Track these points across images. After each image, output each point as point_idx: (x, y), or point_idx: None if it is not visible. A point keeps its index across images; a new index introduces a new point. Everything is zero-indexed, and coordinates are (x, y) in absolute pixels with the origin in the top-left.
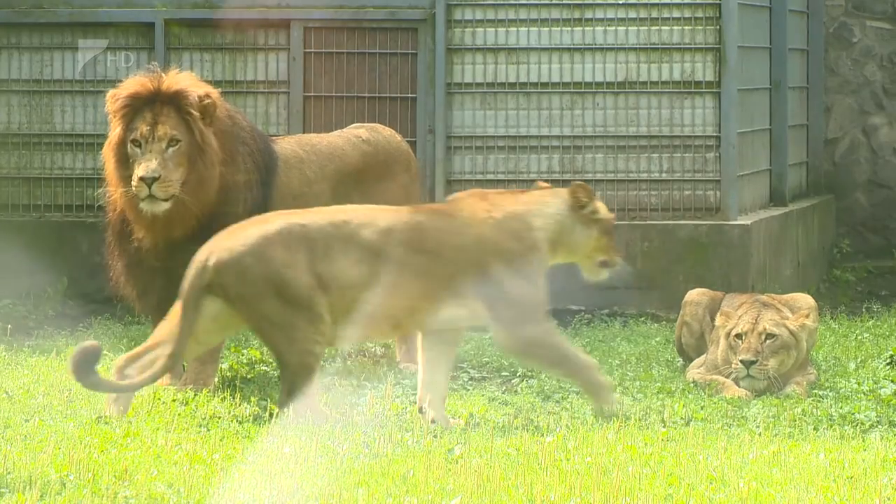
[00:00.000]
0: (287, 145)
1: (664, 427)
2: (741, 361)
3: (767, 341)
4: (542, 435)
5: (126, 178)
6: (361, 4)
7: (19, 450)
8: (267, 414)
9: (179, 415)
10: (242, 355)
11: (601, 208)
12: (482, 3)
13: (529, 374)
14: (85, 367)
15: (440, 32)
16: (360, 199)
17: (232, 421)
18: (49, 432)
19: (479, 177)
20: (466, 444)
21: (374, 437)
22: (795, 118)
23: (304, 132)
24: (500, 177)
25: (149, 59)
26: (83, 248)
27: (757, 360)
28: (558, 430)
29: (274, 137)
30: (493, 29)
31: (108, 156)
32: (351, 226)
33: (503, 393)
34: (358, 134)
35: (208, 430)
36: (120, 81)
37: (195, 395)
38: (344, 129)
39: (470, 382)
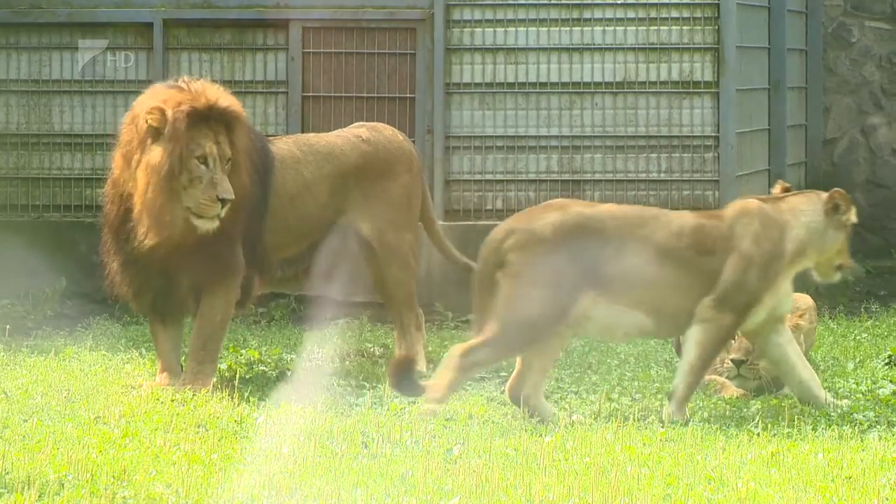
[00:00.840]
0: (284, 145)
1: (663, 427)
2: (731, 360)
3: None
4: (541, 435)
5: (178, 192)
6: (360, 4)
7: (18, 450)
8: (264, 414)
9: (178, 415)
10: (241, 355)
11: (854, 214)
12: (481, 3)
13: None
14: (406, 381)
15: (439, 32)
16: (361, 198)
17: (230, 421)
18: (47, 432)
19: (478, 177)
20: (465, 444)
21: (372, 438)
22: (794, 118)
23: (302, 132)
24: (499, 177)
25: (148, 60)
26: (82, 248)
27: (747, 360)
28: (557, 431)
29: (271, 138)
30: (491, 29)
31: (157, 167)
32: (645, 225)
33: (502, 393)
34: (358, 133)
35: (207, 430)
36: (120, 82)
37: (193, 395)
38: (344, 129)
39: (469, 382)
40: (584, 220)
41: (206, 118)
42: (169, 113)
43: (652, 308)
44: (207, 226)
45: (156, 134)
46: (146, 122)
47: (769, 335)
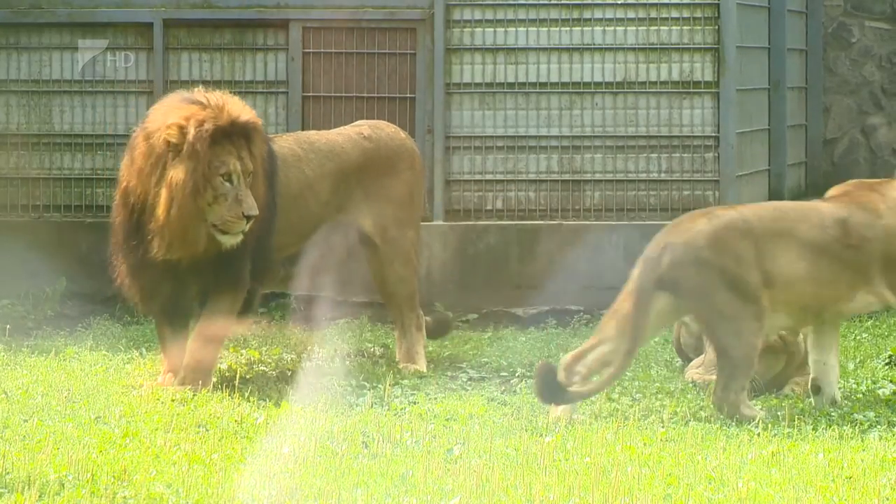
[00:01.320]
0: (285, 144)
1: (663, 427)
2: None
3: None
4: (541, 435)
5: (202, 209)
6: (360, 4)
7: (18, 450)
8: (265, 414)
9: (178, 415)
10: (241, 355)
11: None
12: (481, 3)
13: (529, 374)
14: (548, 387)
15: (439, 32)
16: (363, 196)
17: (231, 421)
18: (48, 432)
19: (478, 176)
20: (465, 444)
21: (372, 437)
22: (794, 118)
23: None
24: (499, 177)
25: (148, 60)
26: (82, 248)
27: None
28: (557, 431)
29: (271, 136)
30: (491, 29)
31: (181, 186)
32: (789, 221)
33: (502, 393)
34: (359, 131)
35: (207, 430)
36: (120, 82)
37: (194, 395)
38: (345, 127)
39: (469, 383)
40: (732, 223)
41: (229, 134)
42: (191, 131)
43: (799, 305)
44: (232, 241)
45: (176, 150)
46: (166, 139)
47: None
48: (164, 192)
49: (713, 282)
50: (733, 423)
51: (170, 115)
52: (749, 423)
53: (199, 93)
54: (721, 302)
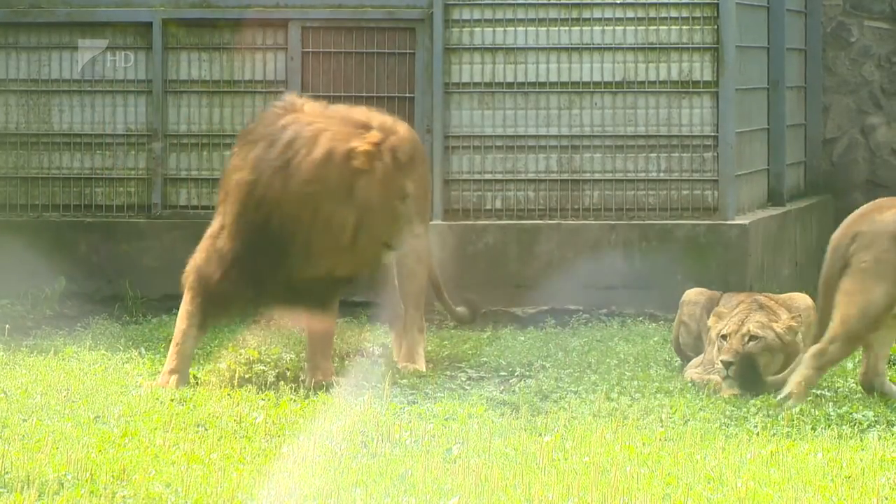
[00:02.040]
0: None
1: (662, 427)
2: (721, 362)
3: (750, 343)
4: (540, 435)
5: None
6: (359, 4)
7: (17, 449)
8: (264, 414)
9: (177, 415)
10: (240, 355)
11: None
12: (480, 2)
13: (528, 374)
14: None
15: (438, 32)
16: None
17: (230, 421)
18: (47, 432)
19: (477, 176)
20: (464, 443)
21: (371, 437)
22: (793, 118)
23: None
24: (498, 176)
25: (147, 59)
26: (81, 247)
27: (734, 362)
28: (556, 430)
29: None
30: (490, 28)
31: (375, 208)
32: None
33: (501, 393)
34: None
35: (206, 429)
36: (119, 81)
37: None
38: None
39: (468, 382)
40: None
41: (410, 158)
42: (385, 157)
43: None
44: (392, 258)
45: (359, 174)
46: (354, 161)
47: None
48: (351, 215)
49: (882, 266)
50: (732, 423)
51: (349, 139)
52: None
53: (367, 114)
54: (871, 287)
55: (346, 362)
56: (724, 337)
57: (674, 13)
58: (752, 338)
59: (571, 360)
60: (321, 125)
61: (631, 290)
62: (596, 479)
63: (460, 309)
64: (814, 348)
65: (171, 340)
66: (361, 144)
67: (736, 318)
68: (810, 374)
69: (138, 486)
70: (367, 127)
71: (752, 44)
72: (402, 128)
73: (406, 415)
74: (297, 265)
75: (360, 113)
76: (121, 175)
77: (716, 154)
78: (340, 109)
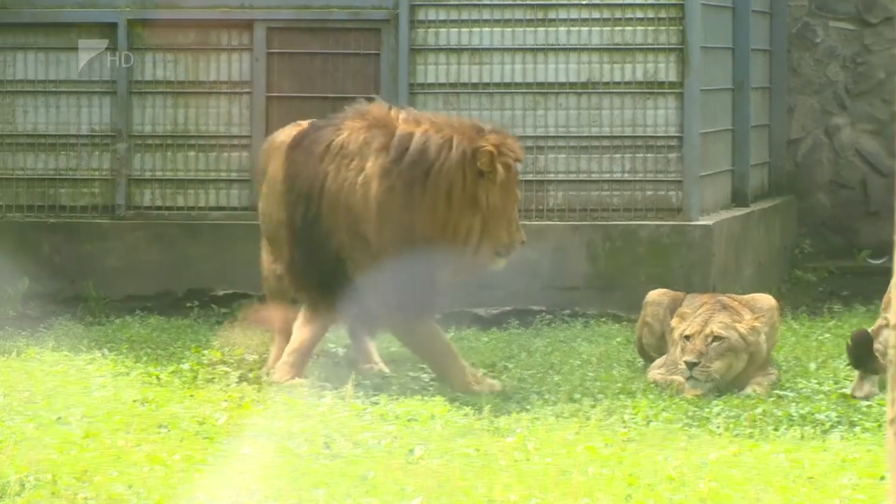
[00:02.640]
0: None
1: (624, 427)
2: (685, 362)
3: (714, 343)
4: (503, 436)
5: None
6: (325, 5)
7: None
8: (226, 415)
9: (139, 415)
10: (203, 356)
11: None
12: (445, 3)
13: (491, 374)
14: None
15: (403, 33)
16: None
17: (192, 422)
18: (8, 433)
19: None
20: (427, 444)
21: (334, 438)
22: (758, 118)
23: (266, 133)
24: None
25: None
26: (45, 248)
27: (699, 362)
28: (518, 431)
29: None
30: (456, 29)
31: (498, 212)
32: None
33: (463, 393)
34: None
35: (168, 430)
36: (83, 82)
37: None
38: None
39: (431, 383)
40: None
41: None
42: (508, 160)
43: None
44: (503, 264)
45: (480, 175)
46: (477, 163)
47: None
48: (476, 218)
49: None
50: (694, 424)
51: (469, 138)
52: None
53: (483, 122)
54: None
55: (310, 363)
56: (687, 337)
57: (639, 14)
58: (716, 338)
59: (534, 360)
60: (447, 131)
61: (594, 290)
62: (558, 479)
63: None
64: None
65: (134, 341)
66: (486, 145)
67: (699, 319)
68: None
69: (100, 487)
70: (481, 131)
71: (717, 44)
72: (509, 133)
73: (368, 416)
74: (430, 274)
75: (462, 119)
76: (85, 176)
77: (680, 155)
78: (440, 115)
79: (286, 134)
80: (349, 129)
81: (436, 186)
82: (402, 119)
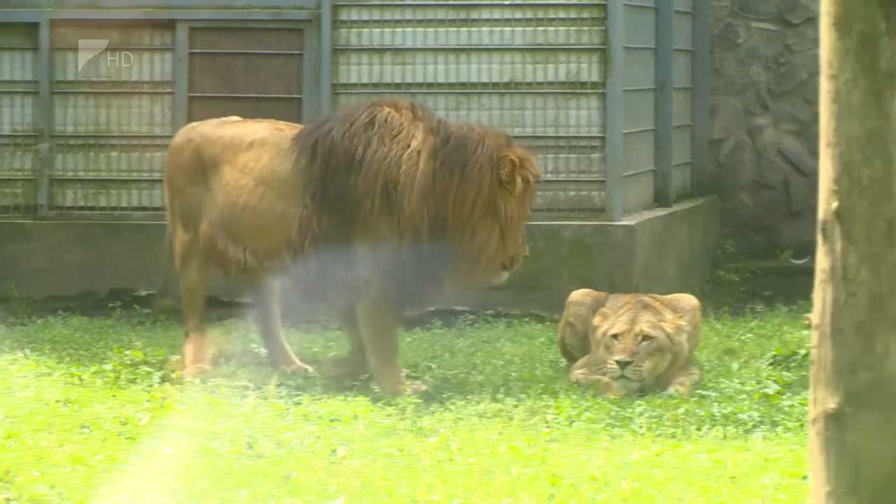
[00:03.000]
0: None
1: (547, 427)
2: (617, 361)
3: (644, 342)
4: (426, 436)
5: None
6: (247, 5)
7: None
8: (149, 415)
9: (61, 416)
10: (125, 356)
11: None
12: (368, 3)
13: (414, 374)
14: None
15: (326, 33)
16: None
17: (115, 422)
18: None
19: None
20: (350, 445)
21: (256, 438)
22: (680, 119)
23: None
24: None
25: (34, 60)
26: None
27: (632, 361)
28: (442, 431)
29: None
30: (378, 30)
31: (516, 222)
32: None
33: (388, 394)
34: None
35: (91, 431)
36: (4, 82)
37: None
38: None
39: (354, 383)
40: None
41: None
42: (529, 170)
43: None
44: (504, 277)
45: (500, 184)
46: (500, 170)
47: None
48: (495, 226)
49: None
50: (617, 424)
51: (494, 143)
52: None
53: (508, 136)
54: None
55: (232, 363)
56: (615, 336)
57: (561, 14)
58: (646, 337)
59: (457, 360)
60: (479, 130)
61: (517, 290)
62: (481, 479)
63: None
64: None
65: (56, 342)
66: (510, 155)
67: (625, 318)
68: None
69: (22, 487)
70: (509, 141)
71: (640, 45)
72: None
73: (291, 416)
74: (435, 270)
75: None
76: (6, 176)
77: (603, 155)
78: (499, 131)
79: (210, 127)
80: (389, 109)
81: (470, 178)
82: (428, 112)
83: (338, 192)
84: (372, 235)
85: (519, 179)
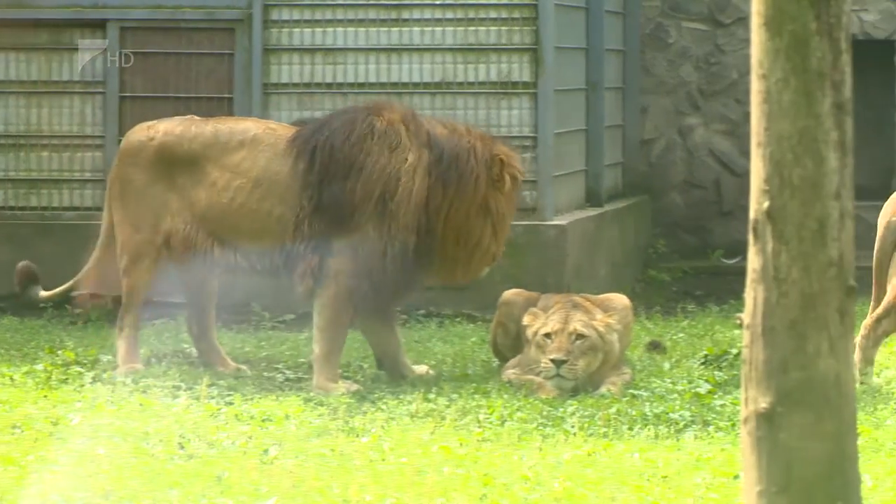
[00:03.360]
0: None
1: (479, 427)
2: (552, 360)
3: (577, 341)
4: (358, 436)
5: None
6: (178, 5)
7: None
8: (80, 416)
9: None
10: (57, 356)
11: None
12: (299, 3)
13: (345, 374)
14: None
15: (257, 33)
16: None
17: (46, 423)
18: None
19: None
20: (282, 445)
21: (188, 439)
22: (611, 119)
23: (119, 133)
24: None
25: None
26: None
27: (567, 360)
28: (373, 431)
29: None
30: (310, 29)
31: (505, 218)
32: None
33: (319, 391)
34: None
35: (22, 431)
36: None
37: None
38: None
39: (285, 383)
40: None
41: None
42: (514, 168)
43: None
44: (486, 272)
45: (492, 183)
46: (490, 169)
47: None
48: (487, 225)
49: None
50: (549, 423)
51: (483, 146)
52: None
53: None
54: None
55: (164, 363)
56: (547, 336)
57: (493, 14)
58: (580, 336)
59: None
60: (468, 137)
61: (448, 290)
62: (413, 479)
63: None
64: (868, 320)
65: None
66: (500, 154)
67: (557, 317)
68: (868, 346)
69: None
70: (494, 140)
71: (571, 45)
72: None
73: (223, 416)
74: (412, 278)
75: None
76: None
77: (534, 155)
78: (445, 119)
79: (178, 125)
80: (387, 120)
81: (466, 190)
82: (425, 119)
83: (334, 196)
84: (357, 235)
85: (507, 177)
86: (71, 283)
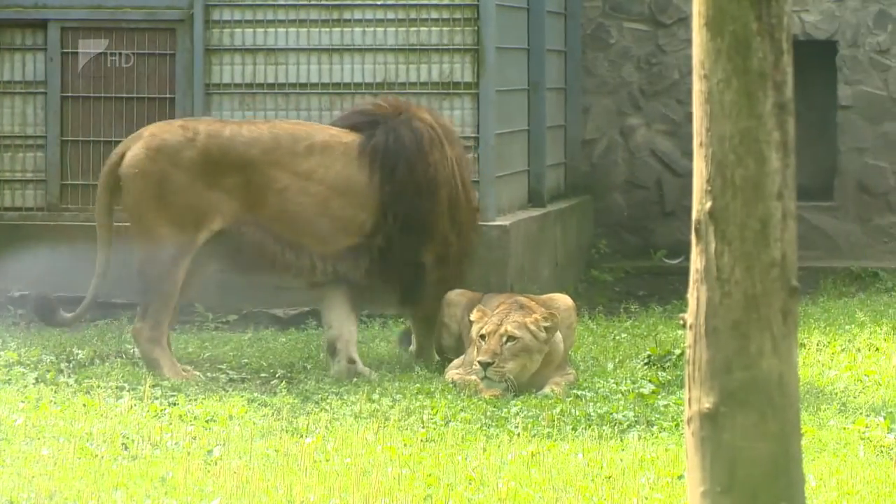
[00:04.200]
0: None
1: (423, 428)
2: (479, 362)
3: (508, 343)
4: (302, 436)
5: None
6: (119, 5)
7: None
8: (24, 416)
9: None
10: None
11: None
12: (240, 3)
13: (289, 375)
14: None
15: (198, 33)
16: None
17: None
18: None
19: None
20: (226, 445)
21: (132, 439)
22: (553, 119)
23: (61, 134)
24: None
25: None
26: None
27: (493, 362)
28: (318, 432)
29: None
30: (251, 30)
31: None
32: None
33: (262, 394)
34: None
35: None
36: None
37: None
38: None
39: (229, 384)
40: None
41: None
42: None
43: None
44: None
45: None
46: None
47: None
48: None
49: None
50: (493, 424)
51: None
52: None
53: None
54: None
55: (108, 364)
56: (482, 337)
57: (434, 14)
58: (510, 338)
59: None
60: (448, 145)
61: None
62: (357, 480)
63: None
64: None
65: None
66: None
67: (495, 318)
68: None
69: None
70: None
71: (513, 45)
72: None
73: (167, 417)
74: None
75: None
76: None
77: (476, 155)
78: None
79: (224, 126)
80: (421, 122)
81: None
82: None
83: (413, 207)
84: (439, 240)
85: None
86: (90, 295)
